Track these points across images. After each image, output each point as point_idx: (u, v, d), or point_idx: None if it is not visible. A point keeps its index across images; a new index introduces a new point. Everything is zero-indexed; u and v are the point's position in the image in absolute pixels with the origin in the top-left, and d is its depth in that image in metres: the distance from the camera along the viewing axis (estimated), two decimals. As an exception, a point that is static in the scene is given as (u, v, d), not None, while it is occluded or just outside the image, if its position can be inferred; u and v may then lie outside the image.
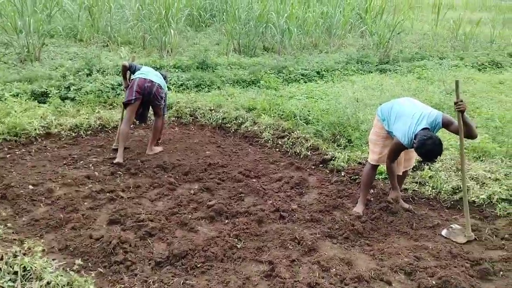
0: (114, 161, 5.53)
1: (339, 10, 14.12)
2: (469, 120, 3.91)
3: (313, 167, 5.77)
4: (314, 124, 6.67)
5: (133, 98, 5.68)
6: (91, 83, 7.84)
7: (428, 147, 3.78)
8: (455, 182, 4.86)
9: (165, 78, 6.13)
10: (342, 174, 5.46)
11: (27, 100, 7.07)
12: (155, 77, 5.84)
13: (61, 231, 3.98)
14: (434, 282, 3.32)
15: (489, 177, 4.90)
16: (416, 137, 3.88)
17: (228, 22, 12.44)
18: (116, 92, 7.86)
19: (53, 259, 3.43)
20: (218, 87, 8.95)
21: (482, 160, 5.41)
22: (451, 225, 4.23)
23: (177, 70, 9.47)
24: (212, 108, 7.56)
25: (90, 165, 5.49)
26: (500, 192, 4.61)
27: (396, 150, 4.16)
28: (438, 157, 3.90)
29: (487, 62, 12.06)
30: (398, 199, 4.44)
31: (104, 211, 4.39)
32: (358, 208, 4.52)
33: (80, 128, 6.60)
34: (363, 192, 4.57)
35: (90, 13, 12.07)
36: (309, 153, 6.02)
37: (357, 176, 5.29)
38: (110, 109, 7.40)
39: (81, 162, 5.57)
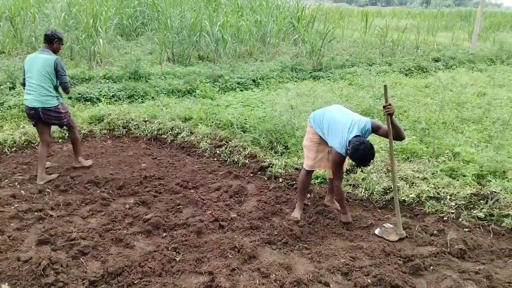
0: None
1: (272, 19, 14.38)
2: (397, 122, 4.09)
3: (251, 175, 5.78)
4: (251, 132, 6.70)
5: (32, 123, 5.41)
6: (14, 97, 7.43)
7: (361, 152, 3.91)
8: (386, 183, 5.07)
9: (56, 37, 5.25)
10: (280, 181, 5.52)
11: None
12: (37, 95, 5.15)
13: (-15, 256, 3.70)
14: (369, 281, 3.42)
15: (418, 177, 5.15)
16: (349, 144, 4.01)
17: (160, 30, 12.27)
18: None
19: (-25, 287, 3.20)
20: (152, 97, 8.78)
21: (410, 161, 5.68)
22: (384, 224, 4.39)
23: (107, 81, 9.19)
24: (146, 119, 7.39)
25: (16, 183, 5.17)
26: (428, 190, 4.85)
27: (339, 162, 4.25)
28: (371, 160, 4.05)
29: (414, 67, 12.76)
30: (350, 221, 4.53)
31: (33, 231, 4.15)
32: (296, 213, 4.58)
33: (4, 145, 6.22)
34: (300, 197, 4.64)
35: (12, 24, 11.47)
36: (247, 161, 6.03)
37: (294, 182, 5.36)
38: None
39: (5, 180, 5.24)
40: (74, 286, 3.34)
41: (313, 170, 4.64)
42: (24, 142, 6.42)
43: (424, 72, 12.68)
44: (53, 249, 3.82)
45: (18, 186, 5.11)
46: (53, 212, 4.54)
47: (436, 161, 5.56)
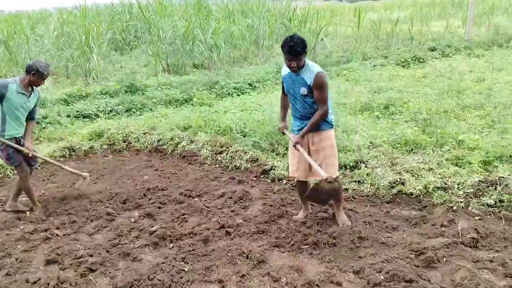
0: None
1: (264, 22, 14.38)
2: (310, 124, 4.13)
3: (254, 178, 5.74)
4: (251, 136, 6.66)
5: None
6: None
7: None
8: (391, 177, 5.01)
9: (34, 69, 4.52)
10: (284, 182, 5.48)
11: None
12: None
13: (-7, 280, 3.66)
14: (382, 277, 3.37)
15: (423, 168, 5.10)
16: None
17: (153, 42, 12.27)
18: (41, 125, 7.47)
19: (-15, 313, 3.16)
20: (150, 109, 8.78)
21: (414, 152, 5.62)
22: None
23: (104, 96, 9.21)
24: (145, 131, 7.37)
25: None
26: (435, 181, 4.79)
27: None
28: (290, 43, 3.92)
29: (410, 58, 12.72)
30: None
31: (40, 251, 4.11)
32: (300, 214, 4.53)
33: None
34: (302, 199, 4.58)
35: (6, 47, 11.50)
36: (249, 165, 5.99)
37: (298, 182, 5.31)
38: (37, 144, 6.99)
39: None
40: (84, 304, 3.30)
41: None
42: (25, 163, 6.38)
43: (421, 62, 12.63)
44: (61, 268, 3.78)
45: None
46: (59, 231, 4.50)
47: (440, 150, 5.51)
